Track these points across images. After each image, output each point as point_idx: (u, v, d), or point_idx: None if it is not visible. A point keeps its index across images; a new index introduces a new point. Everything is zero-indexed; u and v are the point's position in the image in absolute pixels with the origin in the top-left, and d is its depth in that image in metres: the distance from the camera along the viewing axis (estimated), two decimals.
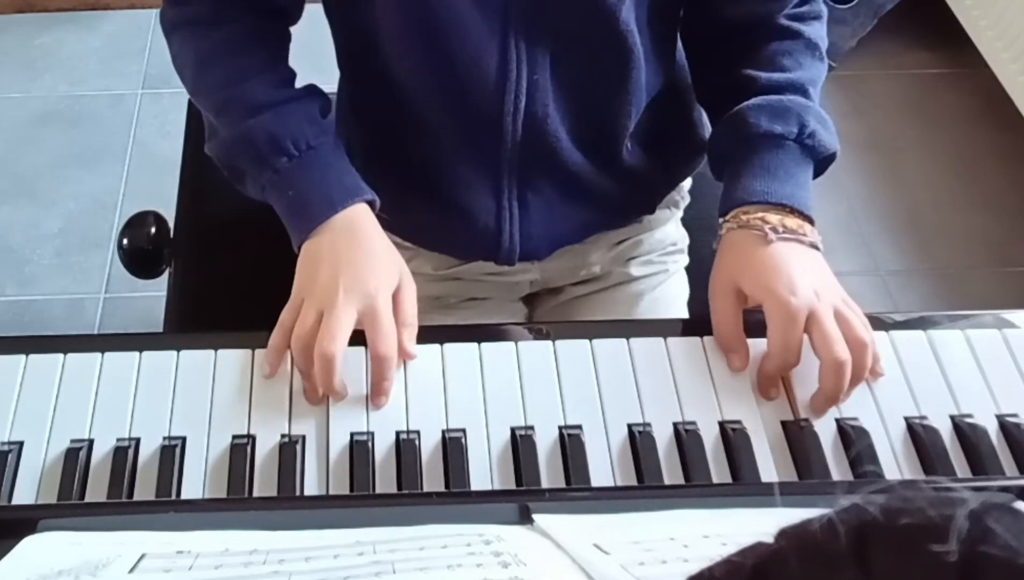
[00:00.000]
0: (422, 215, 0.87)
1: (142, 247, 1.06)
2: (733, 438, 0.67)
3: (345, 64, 0.87)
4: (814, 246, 0.74)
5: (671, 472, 0.66)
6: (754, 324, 0.72)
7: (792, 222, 0.74)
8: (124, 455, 0.64)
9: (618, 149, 0.85)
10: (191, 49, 0.80)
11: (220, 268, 1.06)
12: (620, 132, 0.84)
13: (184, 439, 0.66)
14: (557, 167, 0.83)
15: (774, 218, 0.74)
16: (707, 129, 0.94)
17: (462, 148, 0.82)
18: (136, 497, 0.63)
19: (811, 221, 0.75)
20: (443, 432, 0.67)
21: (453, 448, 0.66)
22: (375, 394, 0.69)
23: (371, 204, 0.75)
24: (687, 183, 0.98)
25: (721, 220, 0.77)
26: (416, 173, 0.85)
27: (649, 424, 0.68)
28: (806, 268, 0.72)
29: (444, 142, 0.82)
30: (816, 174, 0.79)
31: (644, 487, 0.64)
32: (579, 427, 0.67)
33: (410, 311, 0.72)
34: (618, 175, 0.87)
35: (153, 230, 1.06)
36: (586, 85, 0.80)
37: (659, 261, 0.97)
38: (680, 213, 1.00)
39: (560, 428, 0.67)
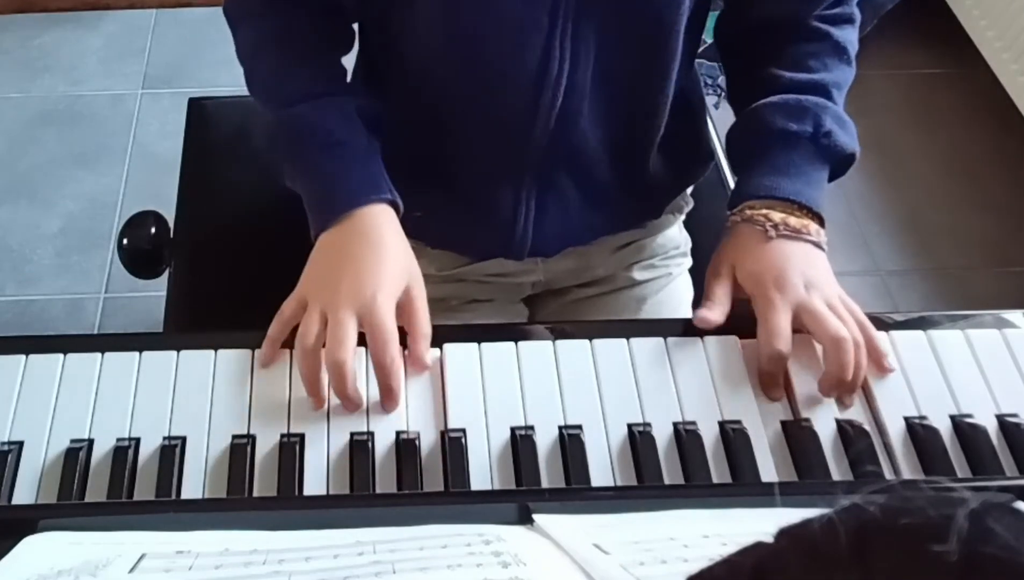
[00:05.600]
0: (435, 205, 0.85)
1: (142, 247, 1.06)
2: (733, 438, 0.67)
3: (367, 53, 0.87)
4: (817, 245, 0.74)
5: (671, 472, 0.66)
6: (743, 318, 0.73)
7: (795, 221, 0.74)
8: (124, 455, 0.64)
9: (644, 155, 0.86)
10: (249, 40, 0.80)
11: (220, 268, 1.06)
12: (652, 136, 0.84)
13: (184, 439, 0.66)
14: (580, 167, 0.83)
15: (777, 216, 0.74)
16: (713, 138, 0.94)
17: (488, 140, 0.81)
18: (136, 497, 0.63)
19: (820, 220, 0.76)
20: (443, 432, 0.67)
21: (453, 448, 0.66)
22: (383, 399, 0.68)
23: (395, 207, 0.74)
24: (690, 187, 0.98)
25: (728, 213, 0.78)
26: (434, 161, 0.85)
27: (649, 424, 0.68)
28: (801, 265, 0.72)
29: (470, 133, 0.81)
30: (835, 176, 0.79)
31: (644, 487, 0.64)
32: (579, 427, 0.67)
33: (423, 320, 0.71)
34: (635, 181, 0.87)
35: (153, 230, 1.06)
36: (624, 88, 0.79)
37: (662, 265, 0.97)
38: (683, 217, 1.00)
39: (560, 428, 0.67)
